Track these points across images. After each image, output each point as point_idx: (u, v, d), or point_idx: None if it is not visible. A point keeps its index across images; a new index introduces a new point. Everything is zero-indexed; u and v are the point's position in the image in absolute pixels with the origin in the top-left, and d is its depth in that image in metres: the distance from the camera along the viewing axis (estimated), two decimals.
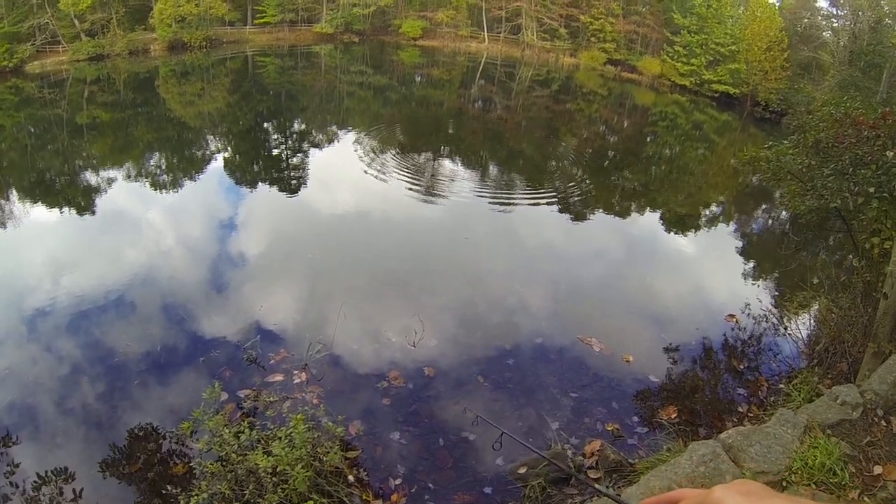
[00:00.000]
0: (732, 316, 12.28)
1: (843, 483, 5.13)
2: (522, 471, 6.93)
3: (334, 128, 29.65)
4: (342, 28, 57.85)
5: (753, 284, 15.11)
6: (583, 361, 9.85)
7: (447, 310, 11.29)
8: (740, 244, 19.39)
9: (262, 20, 57.69)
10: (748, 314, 12.11)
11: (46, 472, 7.14)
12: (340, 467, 6.39)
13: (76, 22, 51.25)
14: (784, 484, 5.13)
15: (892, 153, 7.77)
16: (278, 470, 5.69)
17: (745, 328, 11.69)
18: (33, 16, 50.33)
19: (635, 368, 9.76)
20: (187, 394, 8.28)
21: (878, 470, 5.41)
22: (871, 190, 7.99)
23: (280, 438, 5.87)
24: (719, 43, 53.44)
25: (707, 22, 54.07)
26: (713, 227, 21.12)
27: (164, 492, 6.40)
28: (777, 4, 56.67)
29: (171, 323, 10.53)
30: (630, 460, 7.13)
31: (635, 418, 8.48)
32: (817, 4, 55.31)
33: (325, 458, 6.12)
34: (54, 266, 12.91)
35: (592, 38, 60.18)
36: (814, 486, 5.05)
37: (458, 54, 58.80)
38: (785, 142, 10.73)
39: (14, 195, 18.79)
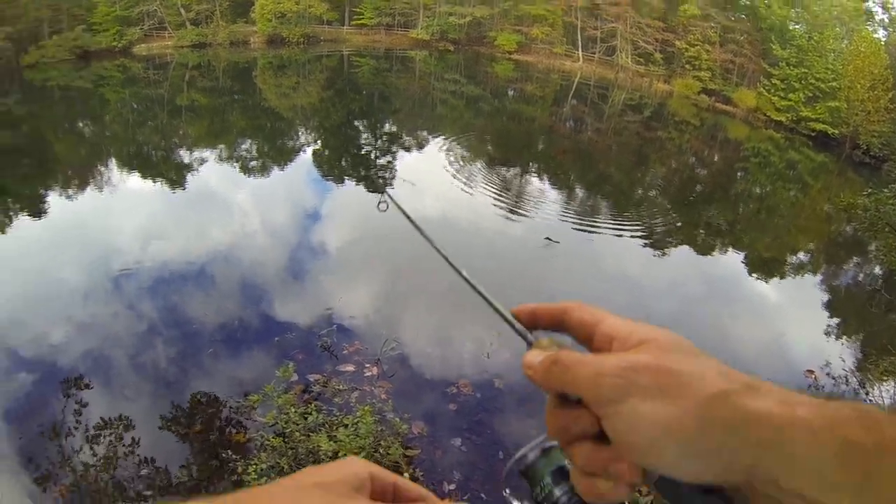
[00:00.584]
0: (811, 372, 11.70)
1: None
2: None
3: (425, 133, 29.73)
4: (437, 36, 58.32)
5: (837, 341, 14.33)
6: None
7: None
8: (826, 297, 18.41)
9: (359, 21, 58.80)
10: (828, 373, 11.53)
11: (110, 417, 7.47)
12: (399, 463, 6.39)
13: (182, 11, 54.18)
14: None
15: None
16: (339, 455, 5.71)
17: (823, 387, 11.13)
18: (143, 2, 53.47)
19: None
20: (256, 369, 8.47)
21: None
22: None
23: (346, 426, 5.92)
24: (819, 78, 51.04)
25: (807, 55, 51.76)
26: (799, 275, 20.17)
27: (222, 456, 6.54)
28: (883, 40, 53.76)
29: (250, 301, 10.81)
30: None
31: None
32: None
33: (386, 452, 6.13)
34: (143, 232, 13.51)
35: (687, 66, 58.78)
36: None
37: (551, 71, 58.53)
38: (885, 190, 10.24)
39: (113, 164, 19.83)
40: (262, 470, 5.61)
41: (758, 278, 18.36)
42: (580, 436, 0.55)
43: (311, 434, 6.00)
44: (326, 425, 6.24)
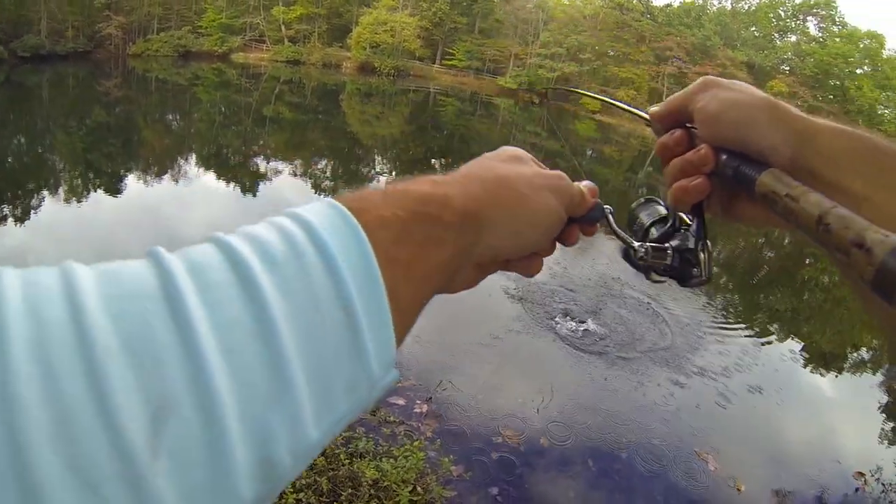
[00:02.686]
0: (861, 474, 11.07)
1: None
2: None
3: None
4: (525, 86, 59.01)
5: (892, 447, 13.59)
6: (694, 476, 9.22)
7: (574, 387, 10.99)
8: (885, 399, 17.48)
9: (449, 62, 60.11)
10: (878, 479, 10.92)
11: None
12: (435, 500, 6.38)
13: (283, 28, 57.81)
14: None
15: None
16: (381, 485, 5.75)
17: (871, 492, 10.54)
18: (248, 14, 57.69)
19: (745, 500, 9.06)
20: None
21: None
22: None
23: (396, 457, 5.93)
24: None
25: None
26: (858, 373, 19.20)
27: None
28: None
29: None
30: None
31: None
32: None
33: (425, 489, 6.10)
34: (209, 227, 13.31)
35: None
36: None
37: (632, 136, 58.09)
38: None
39: (192, 159, 20.52)
40: (300, 485, 5.70)
41: (814, 371, 17.59)
42: (676, 147, 0.75)
43: (353, 460, 6.05)
44: (371, 454, 6.27)
